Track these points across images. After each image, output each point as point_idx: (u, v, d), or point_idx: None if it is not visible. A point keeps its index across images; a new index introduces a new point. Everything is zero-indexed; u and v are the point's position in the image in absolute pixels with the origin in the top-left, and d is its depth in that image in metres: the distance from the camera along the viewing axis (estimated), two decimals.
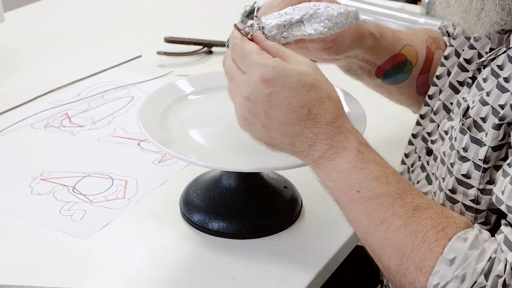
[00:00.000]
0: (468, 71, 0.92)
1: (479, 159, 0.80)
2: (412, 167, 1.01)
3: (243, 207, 0.98)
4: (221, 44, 1.52)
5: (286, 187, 1.02)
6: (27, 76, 1.41)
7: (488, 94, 0.81)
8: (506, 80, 0.79)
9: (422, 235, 0.75)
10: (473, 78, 0.88)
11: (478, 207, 0.83)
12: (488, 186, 0.81)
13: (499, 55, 0.82)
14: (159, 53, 1.48)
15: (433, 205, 0.78)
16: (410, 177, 1.00)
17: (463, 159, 0.82)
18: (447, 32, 1.09)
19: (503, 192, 0.76)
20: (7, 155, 1.15)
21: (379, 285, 1.10)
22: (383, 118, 1.25)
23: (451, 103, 0.94)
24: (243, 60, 0.82)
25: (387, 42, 1.05)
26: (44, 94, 1.33)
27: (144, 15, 1.75)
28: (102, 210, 1.02)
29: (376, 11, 1.66)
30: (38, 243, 0.96)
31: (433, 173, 0.93)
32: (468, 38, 0.95)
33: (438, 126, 0.96)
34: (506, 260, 0.73)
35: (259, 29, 0.86)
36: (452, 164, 0.84)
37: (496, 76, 0.81)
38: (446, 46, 1.09)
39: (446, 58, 1.00)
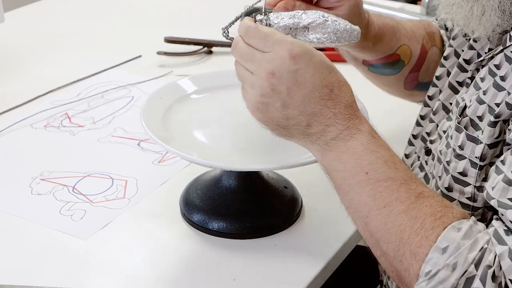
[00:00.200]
0: (467, 71, 0.92)
1: (476, 157, 0.81)
2: (411, 167, 1.01)
3: (243, 207, 0.98)
4: (221, 44, 1.52)
5: (286, 187, 1.02)
6: (27, 76, 1.41)
7: (484, 93, 0.81)
8: (503, 78, 0.79)
9: (421, 221, 0.75)
10: (472, 78, 0.88)
11: (475, 204, 0.83)
12: (484, 184, 0.81)
13: (496, 54, 0.83)
14: (159, 53, 1.48)
15: (434, 195, 0.79)
16: None
17: (459, 157, 0.82)
18: (445, 26, 1.09)
19: (493, 188, 0.77)
20: (7, 155, 1.15)
21: (379, 285, 1.11)
22: (381, 112, 1.25)
23: (451, 104, 0.95)
24: (265, 40, 0.81)
25: (385, 42, 1.05)
26: (44, 94, 1.33)
27: (144, 15, 1.75)
28: (102, 210, 1.02)
29: (376, 11, 1.66)
30: (38, 243, 0.96)
31: (430, 172, 0.93)
32: (467, 39, 0.95)
33: (437, 126, 0.96)
34: (496, 252, 0.73)
35: (267, 26, 0.87)
36: (448, 162, 0.84)
37: (493, 75, 0.82)
38: (443, 41, 1.09)
39: (445, 58, 1.00)
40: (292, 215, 1.00)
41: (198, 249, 0.95)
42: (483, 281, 0.71)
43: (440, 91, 0.99)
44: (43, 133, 1.21)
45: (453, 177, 0.84)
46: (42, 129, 1.22)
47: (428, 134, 0.98)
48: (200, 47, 1.51)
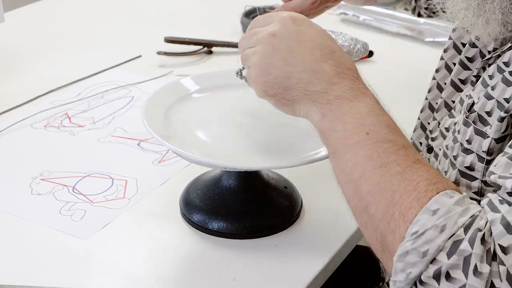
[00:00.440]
0: (471, 70, 0.92)
1: (483, 151, 0.80)
2: None
3: (243, 207, 0.98)
4: (221, 44, 1.52)
5: (286, 187, 1.02)
6: (27, 76, 1.41)
7: (493, 88, 0.81)
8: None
9: (415, 184, 0.74)
10: (477, 77, 0.88)
11: (482, 199, 0.83)
12: None
13: (505, 51, 0.83)
14: (159, 53, 1.48)
15: (433, 167, 0.78)
16: None
17: (467, 151, 0.82)
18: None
19: (495, 165, 0.75)
20: (7, 155, 1.15)
21: (380, 283, 1.11)
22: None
23: (453, 101, 0.94)
24: (270, 16, 0.84)
25: None
26: (44, 94, 1.33)
27: (144, 15, 1.75)
28: (102, 210, 1.02)
29: (376, 11, 1.66)
30: (38, 243, 0.96)
31: None
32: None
33: (439, 123, 0.96)
34: (487, 218, 0.72)
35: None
36: (455, 157, 0.84)
37: (502, 71, 0.81)
38: None
39: (444, 51, 1.00)
40: (292, 215, 1.00)
41: (198, 249, 0.95)
42: (471, 243, 0.69)
43: (439, 84, 0.99)
44: (43, 133, 1.21)
45: (460, 172, 0.83)
46: (42, 129, 1.22)
47: (430, 131, 0.98)
48: (200, 47, 1.51)
